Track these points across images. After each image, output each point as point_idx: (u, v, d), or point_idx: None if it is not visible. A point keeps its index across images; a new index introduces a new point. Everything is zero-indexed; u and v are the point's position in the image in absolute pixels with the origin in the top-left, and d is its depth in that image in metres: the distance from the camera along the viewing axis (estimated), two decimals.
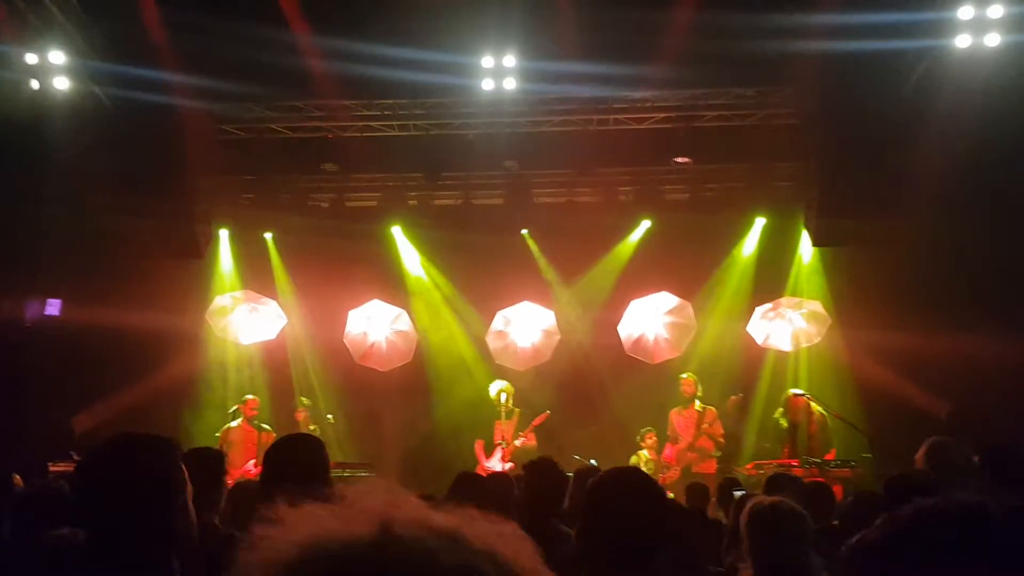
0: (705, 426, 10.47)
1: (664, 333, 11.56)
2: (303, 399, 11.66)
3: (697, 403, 10.65)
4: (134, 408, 10.70)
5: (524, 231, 12.65)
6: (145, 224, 10.47)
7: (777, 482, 5.10)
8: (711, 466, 10.33)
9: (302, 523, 0.77)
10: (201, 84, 9.80)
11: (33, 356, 10.66)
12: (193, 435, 10.95)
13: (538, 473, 4.70)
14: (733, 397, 10.81)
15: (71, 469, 9.47)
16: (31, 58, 9.37)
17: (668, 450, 10.64)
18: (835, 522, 4.72)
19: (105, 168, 10.04)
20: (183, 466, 2.45)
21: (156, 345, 11.06)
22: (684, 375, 10.85)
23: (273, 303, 11.90)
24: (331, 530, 0.76)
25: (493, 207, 12.54)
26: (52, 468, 9.46)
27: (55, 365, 10.62)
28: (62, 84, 9.59)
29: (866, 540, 1.10)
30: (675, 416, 10.74)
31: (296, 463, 3.06)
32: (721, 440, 10.53)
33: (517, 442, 10.72)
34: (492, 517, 0.84)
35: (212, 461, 3.95)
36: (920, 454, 4.33)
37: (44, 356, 10.67)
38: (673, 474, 10.25)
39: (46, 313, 11.12)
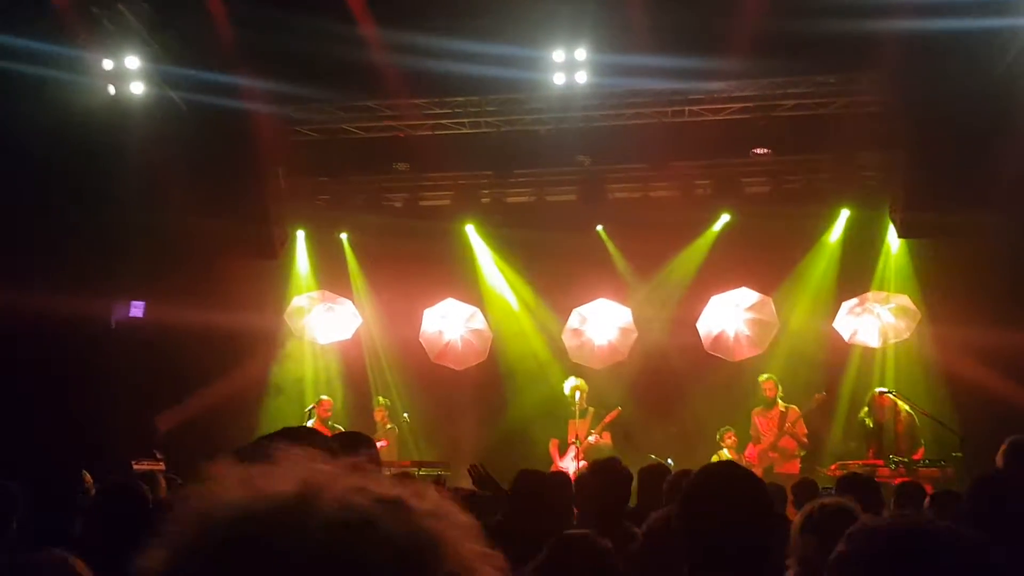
0: (788, 426, 10.15)
1: (745, 330, 11.26)
2: (381, 398, 11.74)
3: (780, 403, 10.33)
4: (215, 407, 10.90)
5: (599, 227, 12.46)
6: (223, 225, 10.64)
7: (849, 483, 4.82)
8: (795, 466, 9.99)
9: (233, 482, 0.79)
10: (274, 87, 9.92)
11: (118, 356, 10.93)
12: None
13: (601, 473, 4.56)
14: (817, 395, 10.42)
15: (154, 467, 9.72)
16: (107, 64, 9.62)
17: (750, 450, 10.36)
18: None
19: (183, 171, 10.24)
20: None
21: (235, 345, 11.26)
22: (764, 377, 10.52)
23: (349, 303, 12.02)
24: (258, 490, 0.77)
25: (567, 203, 12.39)
26: (136, 466, 9.69)
27: (139, 365, 10.86)
28: (138, 89, 9.82)
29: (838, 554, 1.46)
30: (757, 416, 10.46)
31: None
32: (805, 440, 10.20)
33: (591, 439, 10.56)
34: (441, 499, 0.83)
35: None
36: (1000, 453, 4.09)
37: (128, 356, 10.93)
38: (755, 474, 9.93)
39: (131, 315, 11.40)
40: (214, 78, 9.76)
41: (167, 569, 0.76)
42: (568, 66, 9.82)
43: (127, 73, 9.73)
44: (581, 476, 4.98)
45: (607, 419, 10.72)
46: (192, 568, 0.75)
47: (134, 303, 11.34)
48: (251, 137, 10.39)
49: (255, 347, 11.79)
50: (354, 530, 0.76)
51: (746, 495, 2.47)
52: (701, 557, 2.41)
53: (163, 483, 6.03)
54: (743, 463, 10.12)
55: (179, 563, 0.76)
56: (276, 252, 11.55)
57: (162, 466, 9.76)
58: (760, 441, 10.33)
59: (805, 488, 6.20)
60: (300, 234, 12.64)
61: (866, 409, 9.83)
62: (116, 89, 9.79)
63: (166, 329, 10.65)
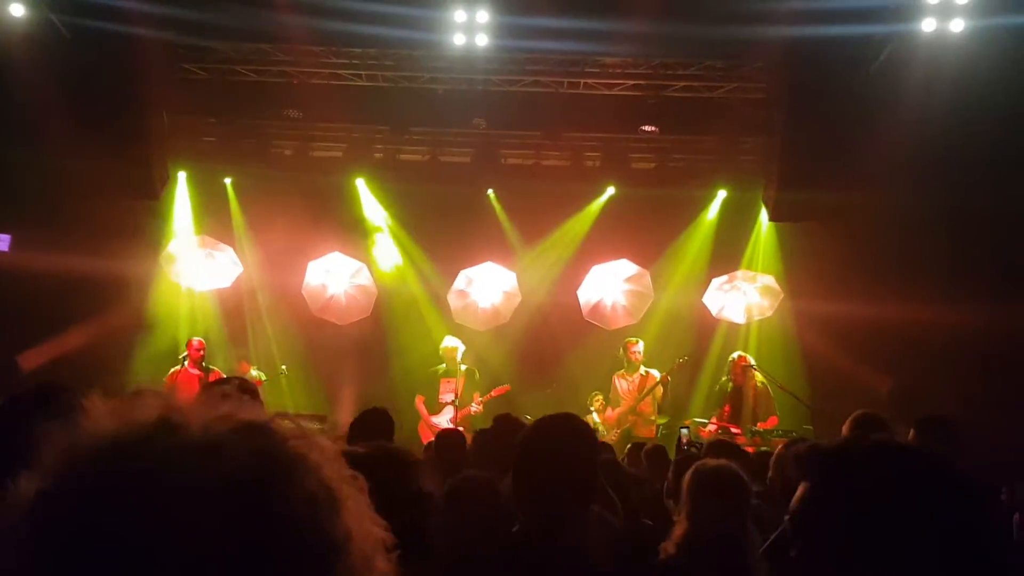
0: (653, 385, 10.53)
1: (622, 300, 11.65)
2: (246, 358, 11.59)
3: (642, 368, 10.75)
4: (83, 349, 10.56)
5: (490, 191, 12.58)
6: (101, 162, 10.21)
7: (719, 448, 5.17)
8: (651, 431, 10.41)
9: (102, 413, 0.84)
10: (165, 14, 9.44)
11: None
12: (141, 378, 10.84)
13: (501, 428, 4.78)
14: (679, 360, 10.85)
15: None
16: None
17: (609, 412, 10.74)
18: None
19: (62, 102, 9.76)
20: None
21: (108, 286, 10.87)
22: (632, 339, 10.92)
23: (230, 250, 11.75)
24: (125, 419, 0.83)
25: (460, 165, 12.44)
26: None
27: (2, 301, 10.40)
28: (17, 11, 9.30)
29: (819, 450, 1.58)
30: (618, 380, 10.82)
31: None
32: (661, 403, 10.59)
33: (473, 407, 10.59)
34: (304, 426, 0.90)
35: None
36: (845, 427, 4.45)
37: None
38: (612, 436, 10.34)
39: None
40: (100, 2, 9.28)
41: (40, 496, 0.79)
42: (468, 27, 9.87)
43: None
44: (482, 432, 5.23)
45: (494, 393, 10.69)
46: (63, 495, 0.78)
47: None
48: (137, 71, 9.97)
49: (129, 289, 11.42)
50: (206, 453, 0.80)
51: (574, 442, 2.61)
52: (535, 495, 2.54)
53: None
54: (604, 425, 10.55)
55: (51, 490, 0.79)
56: (156, 193, 11.17)
57: None
58: (620, 404, 10.73)
59: (657, 452, 6.68)
60: (182, 176, 12.24)
61: (726, 376, 10.37)
62: None
63: (36, 265, 10.21)
